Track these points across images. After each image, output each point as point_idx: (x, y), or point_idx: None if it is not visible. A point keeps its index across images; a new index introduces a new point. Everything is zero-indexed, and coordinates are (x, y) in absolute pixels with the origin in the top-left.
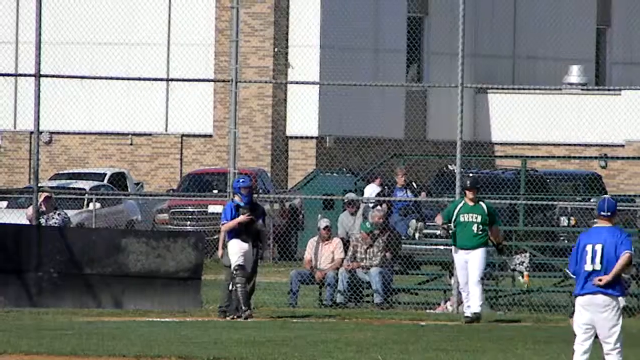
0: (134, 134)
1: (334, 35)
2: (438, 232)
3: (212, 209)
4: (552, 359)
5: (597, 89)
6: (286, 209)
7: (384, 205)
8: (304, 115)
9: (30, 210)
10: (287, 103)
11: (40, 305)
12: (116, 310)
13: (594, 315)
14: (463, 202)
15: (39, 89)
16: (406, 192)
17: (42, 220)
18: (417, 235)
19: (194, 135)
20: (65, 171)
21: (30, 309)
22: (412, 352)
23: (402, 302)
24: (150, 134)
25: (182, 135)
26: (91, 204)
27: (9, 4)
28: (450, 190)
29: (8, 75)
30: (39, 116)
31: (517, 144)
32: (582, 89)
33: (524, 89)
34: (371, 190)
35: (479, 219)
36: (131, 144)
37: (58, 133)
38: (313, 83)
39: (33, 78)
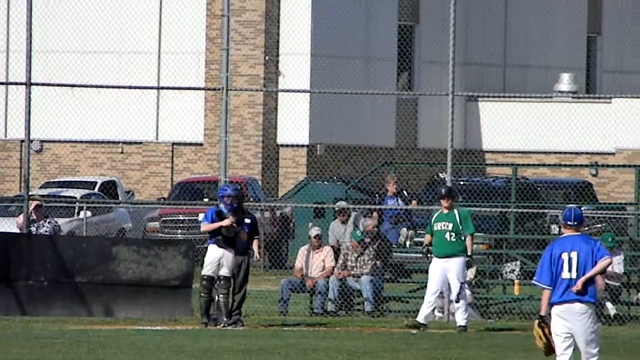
0: (125, 142)
1: (324, 44)
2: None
3: (202, 217)
4: None
5: (587, 97)
6: (277, 217)
7: (375, 214)
8: (294, 124)
9: (20, 218)
10: (278, 111)
11: (30, 314)
12: (107, 319)
13: (571, 324)
14: (440, 211)
15: (29, 97)
16: (397, 200)
17: (33, 229)
18: (407, 243)
19: (185, 144)
20: (56, 179)
21: (20, 317)
22: None
23: (392, 311)
24: (141, 142)
25: (173, 144)
26: (82, 212)
27: None
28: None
29: None
30: (29, 124)
31: (508, 152)
32: (572, 97)
33: (514, 97)
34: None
35: (451, 226)
36: (122, 152)
37: (49, 141)
38: (304, 91)
39: (24, 86)
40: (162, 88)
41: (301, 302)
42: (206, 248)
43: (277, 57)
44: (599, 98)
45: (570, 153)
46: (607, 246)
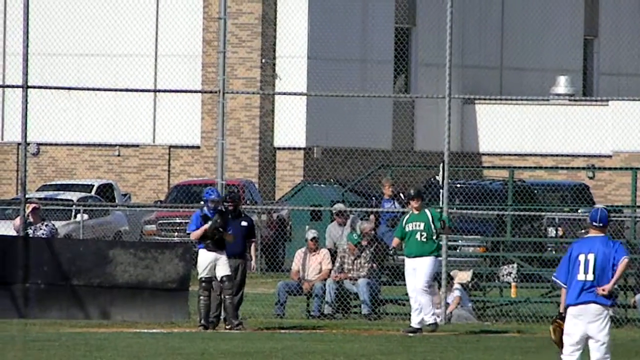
0: (122, 145)
1: (321, 46)
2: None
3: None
4: None
5: (584, 100)
6: (274, 220)
7: (372, 217)
8: (291, 127)
9: (17, 221)
10: (275, 114)
11: (27, 316)
12: (103, 322)
13: (586, 325)
14: (410, 212)
15: (26, 100)
16: (394, 203)
17: (30, 232)
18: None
19: (182, 147)
20: (53, 182)
21: (17, 320)
22: None
23: (389, 313)
24: (137, 145)
25: (170, 147)
26: (79, 215)
27: None
28: (438, 201)
29: None
30: (26, 127)
31: (504, 154)
32: (569, 100)
33: (511, 99)
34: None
35: (422, 226)
36: (119, 155)
37: (45, 144)
38: (300, 94)
39: (20, 89)
40: (159, 91)
41: (298, 304)
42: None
43: (273, 60)
44: (596, 101)
45: (567, 156)
46: None
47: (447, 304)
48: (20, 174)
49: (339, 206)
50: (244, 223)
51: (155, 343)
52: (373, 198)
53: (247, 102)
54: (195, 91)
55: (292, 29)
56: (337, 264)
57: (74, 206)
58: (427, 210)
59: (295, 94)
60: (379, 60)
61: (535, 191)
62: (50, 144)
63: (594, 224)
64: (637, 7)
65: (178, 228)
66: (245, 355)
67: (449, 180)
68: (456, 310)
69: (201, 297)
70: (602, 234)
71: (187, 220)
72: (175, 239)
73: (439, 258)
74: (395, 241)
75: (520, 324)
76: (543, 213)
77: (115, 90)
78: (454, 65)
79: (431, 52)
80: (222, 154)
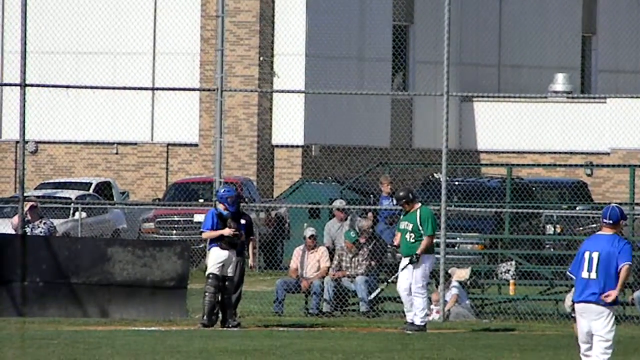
0: (120, 143)
1: (319, 44)
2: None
3: (198, 218)
4: None
5: (582, 97)
6: (272, 217)
7: (370, 214)
8: (289, 124)
9: (15, 219)
10: (273, 112)
11: (25, 315)
12: (102, 320)
13: (590, 322)
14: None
15: (24, 98)
16: (392, 200)
17: (28, 230)
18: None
19: (180, 145)
20: (51, 180)
21: (15, 318)
22: None
23: (387, 311)
24: (135, 143)
25: (168, 145)
26: (77, 213)
27: None
28: (436, 198)
29: None
30: (24, 125)
31: (502, 152)
32: (567, 97)
33: (509, 97)
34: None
35: (411, 227)
36: (117, 153)
37: (44, 142)
38: (298, 92)
39: (18, 87)
40: (157, 89)
41: (296, 302)
42: (202, 249)
43: (271, 58)
44: (594, 98)
45: (565, 153)
46: None
47: (445, 302)
48: (18, 172)
49: (339, 202)
50: (242, 221)
51: (154, 341)
52: (371, 195)
53: (245, 99)
54: (193, 89)
55: (290, 26)
56: (335, 262)
57: (72, 204)
58: (418, 210)
59: (293, 91)
60: (377, 57)
61: (534, 188)
62: (48, 142)
63: (605, 220)
64: (635, 4)
65: (176, 226)
66: (243, 353)
67: (447, 178)
68: (454, 307)
69: (207, 293)
70: (613, 232)
71: (185, 218)
72: (174, 236)
73: (432, 255)
74: (398, 236)
75: (519, 322)
76: (541, 210)
77: (113, 88)
78: (451, 63)
79: (429, 49)
80: (220, 152)
